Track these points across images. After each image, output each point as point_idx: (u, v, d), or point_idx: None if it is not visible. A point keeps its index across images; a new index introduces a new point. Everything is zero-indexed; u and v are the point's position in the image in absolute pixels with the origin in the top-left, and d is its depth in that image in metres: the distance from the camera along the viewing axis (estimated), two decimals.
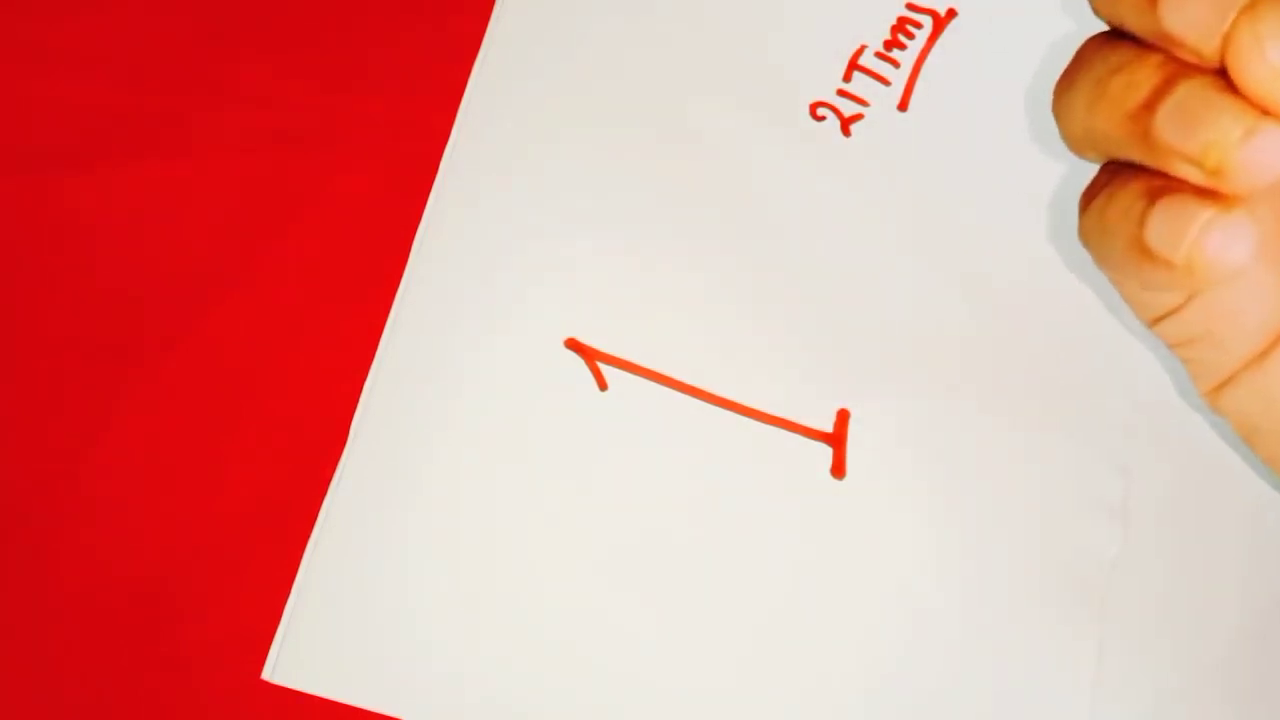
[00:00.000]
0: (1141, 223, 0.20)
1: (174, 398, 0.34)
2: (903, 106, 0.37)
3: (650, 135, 0.36)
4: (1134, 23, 0.20)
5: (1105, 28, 0.21)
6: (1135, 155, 0.20)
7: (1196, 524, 0.32)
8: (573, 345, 0.34)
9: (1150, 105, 0.19)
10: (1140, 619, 0.31)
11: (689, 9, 0.38)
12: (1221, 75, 0.19)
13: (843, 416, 0.33)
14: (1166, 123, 0.19)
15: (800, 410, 0.33)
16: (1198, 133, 0.19)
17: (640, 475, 0.33)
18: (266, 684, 0.31)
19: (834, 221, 0.35)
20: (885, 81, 0.37)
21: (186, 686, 0.31)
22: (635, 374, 0.34)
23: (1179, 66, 0.19)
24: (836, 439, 0.33)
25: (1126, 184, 0.20)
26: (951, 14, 0.38)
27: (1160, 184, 0.20)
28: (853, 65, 0.37)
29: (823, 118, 0.37)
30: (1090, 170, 0.22)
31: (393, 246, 0.35)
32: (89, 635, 0.31)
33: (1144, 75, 0.20)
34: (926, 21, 0.38)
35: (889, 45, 0.38)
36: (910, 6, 0.38)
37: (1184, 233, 0.19)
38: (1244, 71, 0.18)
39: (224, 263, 0.35)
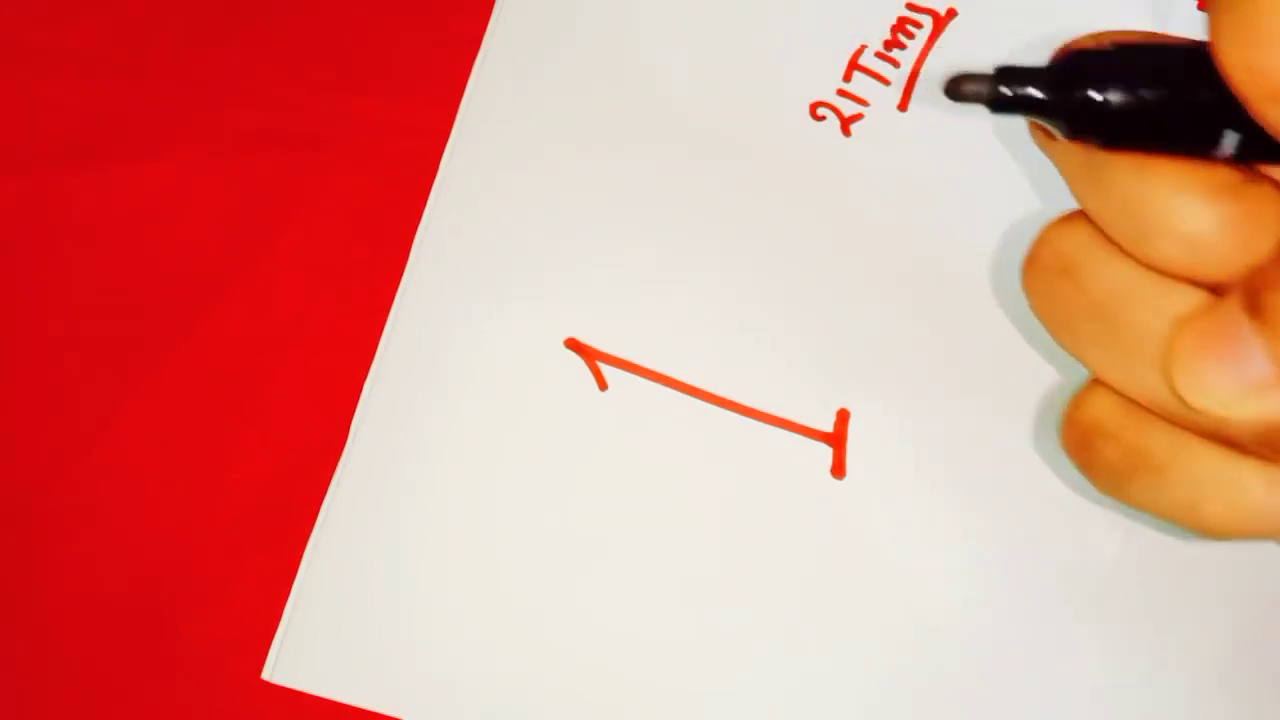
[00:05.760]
0: None
1: (174, 398, 0.34)
2: (903, 106, 0.37)
3: (650, 135, 0.36)
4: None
5: None
6: None
7: None
8: (573, 345, 0.34)
9: None
10: (1140, 619, 0.31)
11: (689, 9, 0.38)
12: None
13: (843, 416, 0.33)
14: None
15: (800, 410, 0.33)
16: None
17: (640, 475, 0.33)
18: (266, 684, 0.31)
19: (834, 221, 0.35)
20: (885, 81, 0.37)
21: (186, 686, 0.31)
22: (635, 374, 0.34)
23: None
24: (836, 439, 0.33)
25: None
26: (951, 14, 0.38)
27: None
28: (853, 65, 0.37)
29: (823, 118, 0.37)
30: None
31: (393, 246, 0.35)
32: (89, 635, 0.31)
33: None
34: (926, 21, 0.38)
35: (889, 45, 0.38)
36: (910, 6, 0.38)
37: None
38: None
39: (224, 263, 0.35)
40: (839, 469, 0.33)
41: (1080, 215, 0.19)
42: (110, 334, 0.34)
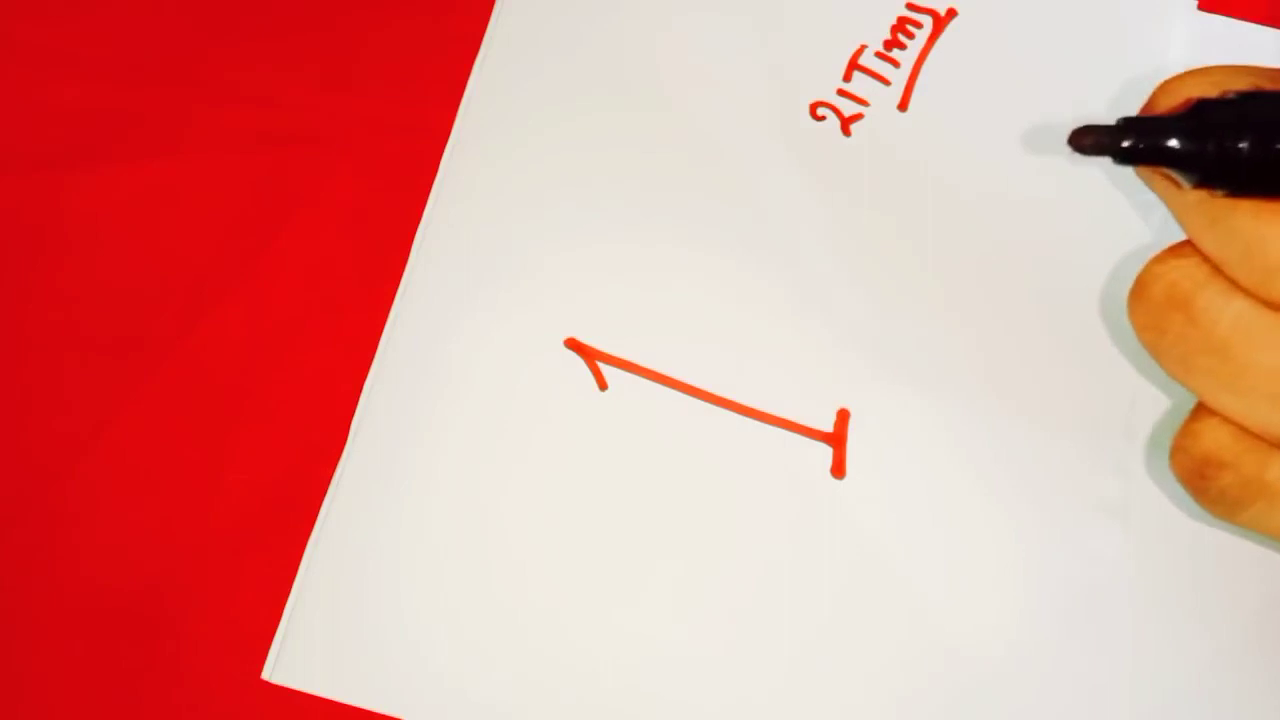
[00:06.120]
0: None
1: (173, 398, 0.34)
2: (903, 106, 0.37)
3: (650, 135, 0.36)
4: None
5: None
6: None
7: (1196, 524, 0.32)
8: (573, 345, 0.34)
9: None
10: (1140, 619, 0.31)
11: (689, 9, 0.38)
12: None
13: (843, 416, 0.33)
14: None
15: (800, 410, 0.33)
16: None
17: (640, 475, 0.33)
18: (266, 684, 0.31)
19: (834, 221, 0.35)
20: (885, 81, 0.37)
21: (186, 686, 0.31)
22: (635, 374, 0.34)
23: None
24: (836, 439, 0.33)
25: None
26: (951, 14, 0.38)
27: None
28: (853, 65, 0.37)
29: (823, 118, 0.37)
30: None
31: (393, 246, 0.35)
32: (89, 635, 0.31)
33: None
34: (926, 21, 0.38)
35: (889, 45, 0.38)
36: (910, 6, 0.38)
37: None
38: None
39: (224, 263, 0.35)
40: (839, 469, 0.33)
41: (1189, 249, 0.19)
42: (110, 334, 0.34)
